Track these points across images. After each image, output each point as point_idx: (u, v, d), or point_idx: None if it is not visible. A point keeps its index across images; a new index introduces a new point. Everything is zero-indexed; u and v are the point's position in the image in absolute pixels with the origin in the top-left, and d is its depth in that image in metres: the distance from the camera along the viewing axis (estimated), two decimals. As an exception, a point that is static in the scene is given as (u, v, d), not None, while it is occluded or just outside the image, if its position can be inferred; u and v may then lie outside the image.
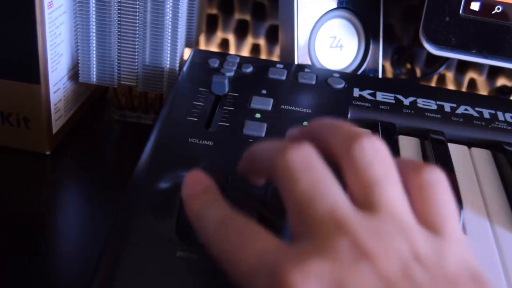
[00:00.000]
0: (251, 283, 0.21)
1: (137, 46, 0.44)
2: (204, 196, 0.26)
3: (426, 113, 0.40)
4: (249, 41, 0.60)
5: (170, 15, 0.42)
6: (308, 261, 0.20)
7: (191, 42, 0.49)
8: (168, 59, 0.44)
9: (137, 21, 0.43)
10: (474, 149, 0.39)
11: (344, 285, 0.20)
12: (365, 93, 0.41)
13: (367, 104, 0.40)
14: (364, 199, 0.23)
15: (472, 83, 0.60)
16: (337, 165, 0.24)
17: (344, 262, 0.20)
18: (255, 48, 0.60)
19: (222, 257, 0.23)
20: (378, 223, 0.22)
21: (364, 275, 0.20)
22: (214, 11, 0.59)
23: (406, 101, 0.42)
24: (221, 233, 0.23)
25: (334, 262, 0.20)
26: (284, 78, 0.42)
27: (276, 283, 0.20)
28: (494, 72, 0.59)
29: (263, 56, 0.61)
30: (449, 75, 0.60)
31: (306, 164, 0.23)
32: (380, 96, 0.41)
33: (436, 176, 0.24)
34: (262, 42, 0.60)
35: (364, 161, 0.23)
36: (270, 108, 0.38)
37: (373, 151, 0.24)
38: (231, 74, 0.41)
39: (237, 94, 0.39)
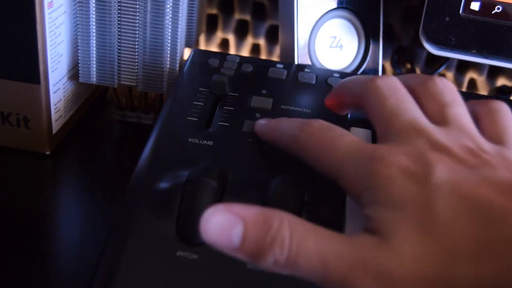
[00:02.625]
0: (342, 169, 0.27)
1: (137, 46, 0.44)
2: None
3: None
4: (249, 41, 0.60)
5: (170, 15, 0.42)
6: (395, 148, 0.26)
7: (191, 42, 0.49)
8: (168, 59, 0.44)
9: (137, 21, 0.43)
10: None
11: (425, 159, 0.25)
12: (365, 93, 0.41)
13: (367, 104, 0.40)
14: (438, 116, 0.28)
15: (472, 83, 0.60)
16: (414, 95, 0.29)
17: (424, 150, 0.26)
18: (255, 48, 0.60)
19: (313, 151, 0.28)
20: (450, 131, 0.27)
21: (441, 156, 0.25)
22: (214, 11, 0.59)
23: (406, 101, 0.42)
24: (308, 133, 0.29)
25: (416, 149, 0.26)
26: (284, 78, 0.42)
27: (370, 159, 0.25)
28: (494, 72, 0.59)
29: (263, 56, 0.61)
30: (449, 75, 0.60)
31: (393, 88, 0.29)
32: (380, 96, 0.41)
33: (502, 105, 0.29)
34: (262, 42, 0.60)
35: (437, 89, 0.29)
36: (270, 108, 0.38)
37: (444, 84, 0.30)
38: (231, 74, 0.41)
39: (237, 94, 0.39)
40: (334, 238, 0.24)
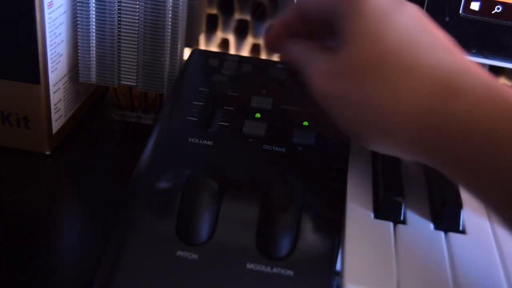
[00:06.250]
0: None
1: (137, 46, 0.44)
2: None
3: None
4: (249, 41, 0.60)
5: (170, 15, 0.42)
6: None
7: (191, 42, 0.49)
8: (168, 59, 0.44)
9: (137, 21, 0.43)
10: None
11: None
12: (365, 93, 0.41)
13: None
14: None
15: (472, 83, 0.60)
16: None
17: None
18: (255, 48, 0.60)
19: None
20: None
21: None
22: (214, 11, 0.59)
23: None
24: None
25: None
26: (284, 78, 0.42)
27: None
28: (494, 72, 0.59)
29: (263, 56, 0.61)
30: (449, 75, 0.60)
31: None
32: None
33: None
34: (262, 42, 0.60)
35: None
36: (270, 107, 0.38)
37: None
38: (231, 74, 0.41)
39: (237, 94, 0.39)
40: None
